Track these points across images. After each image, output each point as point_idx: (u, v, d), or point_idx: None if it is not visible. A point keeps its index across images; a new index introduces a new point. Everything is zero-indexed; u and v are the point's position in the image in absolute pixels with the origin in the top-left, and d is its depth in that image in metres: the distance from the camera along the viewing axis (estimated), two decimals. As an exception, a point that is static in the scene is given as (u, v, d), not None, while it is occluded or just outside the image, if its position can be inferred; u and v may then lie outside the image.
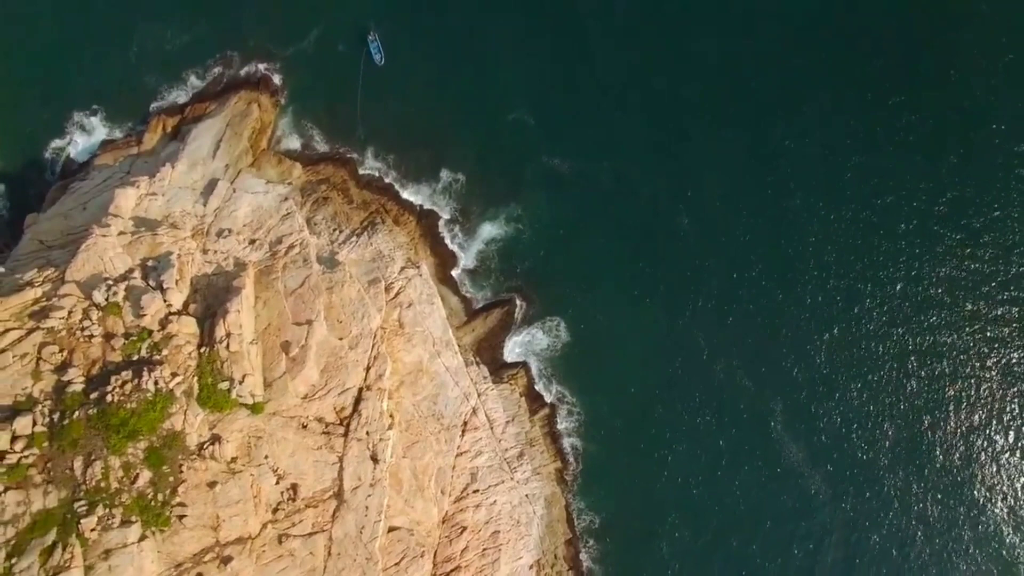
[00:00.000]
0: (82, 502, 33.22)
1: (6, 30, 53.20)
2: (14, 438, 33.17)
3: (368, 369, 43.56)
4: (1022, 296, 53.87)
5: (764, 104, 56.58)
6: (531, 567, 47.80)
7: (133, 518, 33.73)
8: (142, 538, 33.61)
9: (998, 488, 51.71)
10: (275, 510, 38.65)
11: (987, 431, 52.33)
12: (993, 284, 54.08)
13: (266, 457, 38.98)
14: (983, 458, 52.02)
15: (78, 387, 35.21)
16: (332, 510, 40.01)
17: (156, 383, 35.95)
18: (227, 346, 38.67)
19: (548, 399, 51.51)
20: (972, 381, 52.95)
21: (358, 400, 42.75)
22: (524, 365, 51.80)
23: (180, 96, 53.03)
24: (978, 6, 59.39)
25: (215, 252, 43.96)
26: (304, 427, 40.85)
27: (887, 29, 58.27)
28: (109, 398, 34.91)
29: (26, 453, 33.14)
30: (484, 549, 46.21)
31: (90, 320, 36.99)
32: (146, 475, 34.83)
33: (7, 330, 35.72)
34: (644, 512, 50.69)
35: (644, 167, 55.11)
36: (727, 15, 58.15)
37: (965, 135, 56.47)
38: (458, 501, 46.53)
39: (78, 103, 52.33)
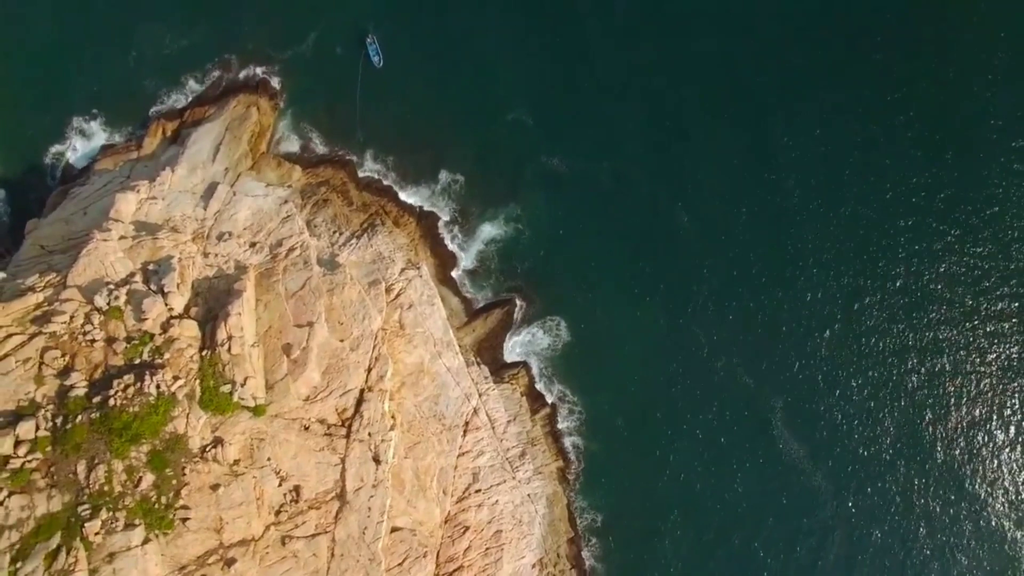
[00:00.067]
0: (86, 506, 33.34)
1: (5, 35, 53.31)
2: (17, 443, 33.32)
3: (369, 370, 43.67)
4: (1021, 291, 53.96)
5: (763, 103, 56.70)
6: (534, 566, 47.90)
7: (137, 521, 33.84)
8: (146, 541, 33.70)
9: (999, 483, 51.80)
10: (278, 512, 38.76)
11: (988, 426, 52.42)
12: (992, 279, 54.20)
13: (268, 459, 39.08)
14: (984, 453, 52.11)
15: (81, 391, 35.34)
16: (335, 511, 40.11)
17: (158, 386, 36.08)
18: (229, 349, 38.78)
19: (549, 398, 51.62)
20: (972, 376, 53.05)
21: (360, 401, 42.85)
22: (525, 365, 51.93)
23: (179, 100, 53.14)
24: (977, 4, 59.48)
25: (216, 255, 44.08)
26: (306, 429, 40.96)
27: (885, 27, 58.33)
28: (112, 402, 35.03)
29: (30, 457, 33.27)
30: (487, 549, 46.33)
31: (92, 324, 37.13)
32: (149, 478, 34.94)
33: (9, 335, 35.86)
34: (646, 510, 50.80)
35: (643, 166, 55.20)
36: (726, 14, 58.23)
37: (963, 132, 56.60)
38: (460, 501, 46.65)
39: (78, 108, 52.45)
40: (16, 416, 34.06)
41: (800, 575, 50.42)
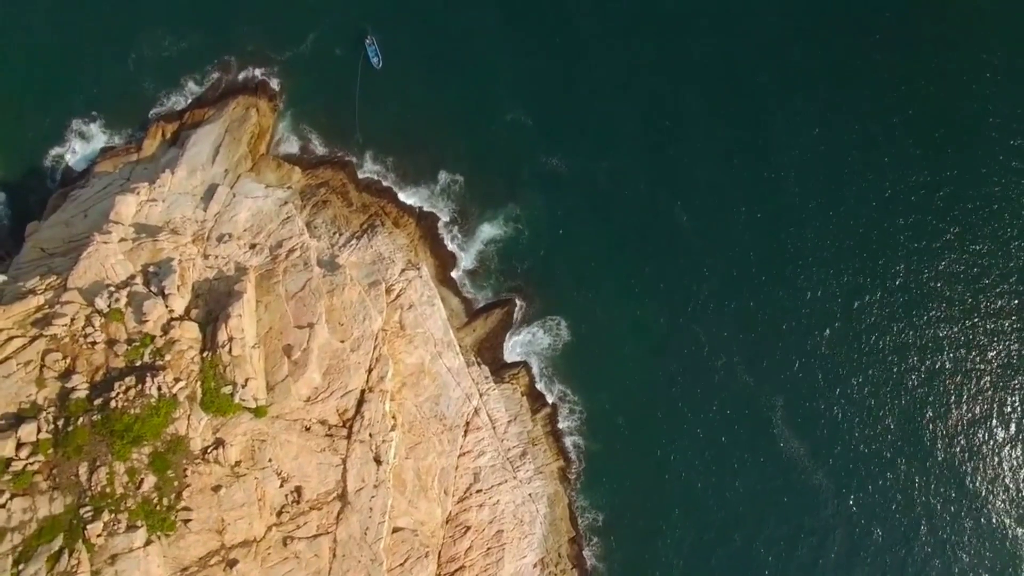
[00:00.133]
0: (88, 508, 33.39)
1: (5, 38, 53.30)
2: (19, 445, 33.37)
3: (370, 371, 43.72)
4: (1021, 288, 54.01)
5: (762, 101, 56.74)
6: (535, 565, 47.96)
7: (139, 523, 33.88)
8: (148, 543, 33.75)
9: (1000, 480, 51.86)
10: (279, 513, 38.82)
11: (988, 423, 52.51)
12: (992, 277, 54.30)
13: (270, 460, 39.13)
14: (985, 450, 52.18)
15: (82, 393, 35.38)
16: (336, 512, 40.17)
17: (159, 388, 36.12)
18: (229, 350, 38.83)
19: (550, 398, 51.67)
20: (973, 374, 53.12)
21: (360, 402, 42.89)
22: (525, 365, 51.95)
23: (179, 102, 53.10)
24: (976, 2, 59.52)
25: (216, 257, 44.11)
26: (307, 430, 41.02)
27: (885, 25, 58.39)
28: (113, 404, 35.07)
29: (31, 460, 33.31)
30: (488, 548, 46.39)
31: (93, 327, 37.16)
32: (151, 480, 35.00)
33: (11, 338, 35.91)
34: (647, 509, 50.85)
35: (643, 165, 55.23)
36: (725, 14, 58.24)
37: (962, 130, 56.69)
38: (461, 501, 46.71)
39: (77, 110, 52.43)
40: (18, 419, 34.12)
41: (801, 573, 50.49)
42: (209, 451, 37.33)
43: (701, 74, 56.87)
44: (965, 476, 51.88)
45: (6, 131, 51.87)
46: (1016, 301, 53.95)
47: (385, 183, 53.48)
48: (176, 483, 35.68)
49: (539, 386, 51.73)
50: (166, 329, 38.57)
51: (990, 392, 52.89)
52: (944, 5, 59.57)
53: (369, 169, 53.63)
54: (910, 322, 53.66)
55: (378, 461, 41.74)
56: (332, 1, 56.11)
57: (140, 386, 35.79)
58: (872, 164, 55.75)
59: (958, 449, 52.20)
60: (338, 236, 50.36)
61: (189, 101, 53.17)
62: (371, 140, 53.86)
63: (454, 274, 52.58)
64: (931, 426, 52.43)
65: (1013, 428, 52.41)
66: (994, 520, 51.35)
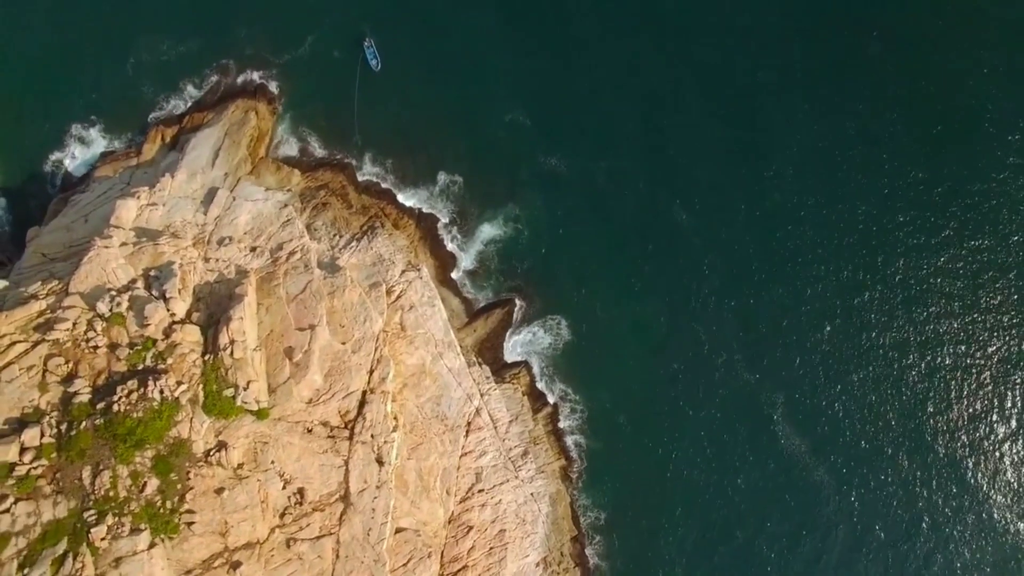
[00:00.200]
0: (91, 511, 33.51)
1: (4, 42, 53.43)
2: (23, 450, 33.49)
3: (371, 372, 43.81)
4: (1020, 284, 54.07)
5: (760, 99, 56.79)
6: (538, 565, 48.07)
7: (142, 526, 34.01)
8: (152, 545, 33.88)
9: (1001, 475, 51.93)
10: (282, 514, 38.92)
11: (989, 418, 52.58)
12: (991, 273, 54.37)
13: (272, 462, 39.23)
14: (985, 446, 52.25)
15: (84, 398, 35.50)
16: (339, 513, 40.28)
17: (161, 392, 36.23)
18: (231, 353, 38.91)
19: (551, 398, 51.78)
20: (973, 369, 53.20)
21: (362, 403, 43.00)
22: (526, 364, 52.08)
23: (178, 106, 53.29)
24: (977, 1, 59.53)
25: (217, 260, 44.22)
26: (309, 431, 41.13)
27: (883, 22, 58.42)
28: (115, 408, 35.17)
29: (35, 464, 33.45)
30: (491, 548, 46.50)
31: (94, 331, 37.26)
32: (154, 483, 35.10)
33: (13, 343, 36.02)
34: (649, 507, 50.96)
35: (642, 165, 55.32)
36: (723, 13, 58.32)
37: (961, 126, 56.70)
38: (464, 501, 46.82)
39: (77, 115, 52.59)
40: (21, 423, 34.25)
41: (804, 570, 50.58)
42: (212, 454, 37.42)
43: (700, 74, 56.93)
44: (966, 471, 51.96)
45: (6, 136, 52.02)
46: (1016, 296, 54.01)
47: (384, 185, 53.60)
48: (179, 486, 35.80)
49: (540, 385, 51.85)
50: (168, 333, 38.68)
51: (990, 387, 52.96)
52: (943, 3, 59.55)
53: (368, 171, 53.76)
54: (910, 318, 53.72)
55: (380, 462, 41.85)
56: (330, 3, 56.22)
57: (142, 390, 35.90)
58: (871, 161, 55.81)
59: (959, 444, 52.26)
60: (338, 238, 50.47)
61: (188, 105, 53.35)
62: (370, 142, 53.98)
63: (454, 275, 52.70)
64: (932, 422, 52.50)
65: (1014, 423, 52.46)
66: (996, 515, 51.42)
